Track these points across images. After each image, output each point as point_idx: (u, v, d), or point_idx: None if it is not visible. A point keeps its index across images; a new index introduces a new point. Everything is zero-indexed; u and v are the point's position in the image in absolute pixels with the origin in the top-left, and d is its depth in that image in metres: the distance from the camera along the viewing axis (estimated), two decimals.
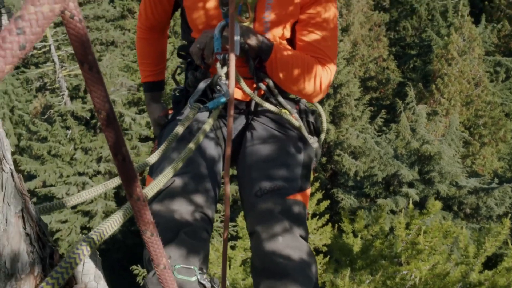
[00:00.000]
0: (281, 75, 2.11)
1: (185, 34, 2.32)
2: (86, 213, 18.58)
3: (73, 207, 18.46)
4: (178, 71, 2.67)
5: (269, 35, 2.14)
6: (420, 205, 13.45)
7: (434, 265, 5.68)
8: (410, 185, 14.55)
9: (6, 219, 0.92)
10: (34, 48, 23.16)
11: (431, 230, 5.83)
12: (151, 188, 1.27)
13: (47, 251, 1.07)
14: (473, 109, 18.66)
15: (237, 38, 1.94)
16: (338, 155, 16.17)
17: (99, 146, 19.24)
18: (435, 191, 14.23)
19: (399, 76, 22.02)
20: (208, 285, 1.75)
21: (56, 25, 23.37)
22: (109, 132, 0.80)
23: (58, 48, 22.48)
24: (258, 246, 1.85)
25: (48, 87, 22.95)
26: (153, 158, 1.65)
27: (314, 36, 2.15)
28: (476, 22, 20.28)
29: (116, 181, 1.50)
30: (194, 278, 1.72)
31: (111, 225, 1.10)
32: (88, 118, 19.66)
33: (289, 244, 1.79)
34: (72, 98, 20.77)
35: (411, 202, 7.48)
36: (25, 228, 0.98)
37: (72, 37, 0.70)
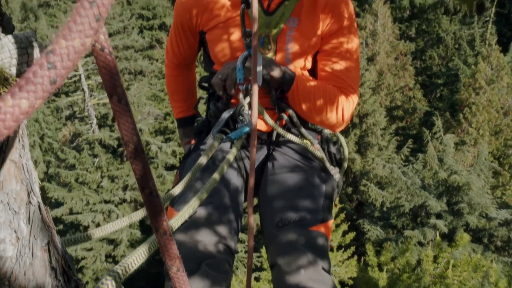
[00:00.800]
0: (303, 105, 2.10)
1: (207, 67, 2.34)
2: (111, 241, 18.66)
3: None
4: (201, 102, 2.69)
5: (291, 66, 2.15)
6: (449, 237, 13.11)
7: None
8: (438, 216, 14.23)
9: (32, 253, 0.91)
10: None
11: (460, 264, 5.66)
12: (177, 220, 1.26)
13: (72, 285, 1.05)
14: (502, 138, 18.30)
15: (259, 68, 1.94)
16: (364, 185, 15.98)
17: (126, 174, 19.44)
18: (464, 223, 13.87)
19: (426, 105, 21.82)
20: None
21: (87, 55, 23.99)
22: (137, 165, 0.79)
23: (88, 77, 23.04)
24: (279, 278, 1.81)
25: (78, 116, 23.46)
26: (177, 189, 1.64)
27: (336, 66, 2.15)
28: (504, 50, 20.06)
29: (141, 213, 1.49)
30: None
31: (136, 259, 1.08)
32: (115, 146, 19.95)
33: (311, 277, 1.76)
34: (100, 126, 21.17)
35: (438, 234, 7.30)
36: (50, 262, 0.97)
37: (102, 70, 0.70)
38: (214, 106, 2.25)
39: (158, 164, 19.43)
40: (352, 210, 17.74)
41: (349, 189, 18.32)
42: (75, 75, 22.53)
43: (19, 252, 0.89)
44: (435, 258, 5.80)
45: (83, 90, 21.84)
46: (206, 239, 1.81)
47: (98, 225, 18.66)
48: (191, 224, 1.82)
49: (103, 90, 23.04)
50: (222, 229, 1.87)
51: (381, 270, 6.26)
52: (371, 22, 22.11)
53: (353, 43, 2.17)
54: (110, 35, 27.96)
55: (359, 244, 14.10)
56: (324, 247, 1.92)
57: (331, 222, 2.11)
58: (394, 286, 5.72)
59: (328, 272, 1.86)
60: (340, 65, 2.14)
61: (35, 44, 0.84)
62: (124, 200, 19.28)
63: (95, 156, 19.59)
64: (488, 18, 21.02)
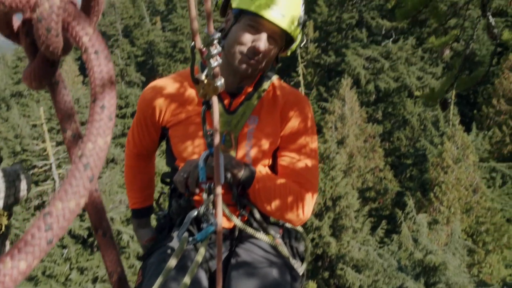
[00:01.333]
0: (264, 202, 2.14)
1: (169, 162, 2.37)
2: None
3: None
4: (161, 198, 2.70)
5: (250, 162, 2.20)
6: None
7: None
8: None
9: None
10: (35, 166, 23.53)
11: None
12: None
13: None
14: (473, 216, 18.59)
15: (221, 168, 1.99)
16: (341, 269, 15.80)
17: (96, 266, 18.80)
18: None
19: (397, 185, 22.20)
20: None
21: (58, 143, 23.96)
22: None
23: (59, 166, 22.85)
24: None
25: (47, 206, 22.93)
26: None
27: (296, 162, 2.20)
28: (468, 130, 20.92)
29: None
30: None
31: None
32: (86, 237, 19.43)
33: None
34: None
35: None
36: None
37: (88, 206, 0.74)
38: (176, 203, 2.27)
39: (130, 254, 18.92)
40: None
41: (326, 274, 18.04)
42: (45, 164, 22.33)
43: None
44: None
45: (53, 179, 21.58)
46: None
47: None
48: None
49: None
50: None
51: None
52: (339, 106, 22.93)
53: (312, 140, 2.24)
54: (83, 123, 28.15)
55: None
56: None
57: None
58: None
59: None
60: (300, 162, 2.20)
61: (22, 177, 0.88)
62: None
63: (64, 247, 18.99)
64: (450, 100, 22.03)
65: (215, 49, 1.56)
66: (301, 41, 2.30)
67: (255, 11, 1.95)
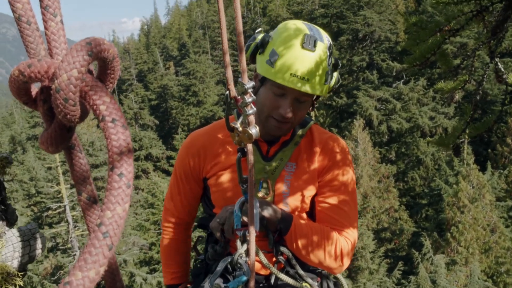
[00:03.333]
0: (301, 248, 2.11)
1: (207, 209, 2.38)
2: None
3: None
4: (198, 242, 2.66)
5: (288, 210, 2.20)
6: None
7: None
8: None
9: None
10: (49, 208, 23.63)
11: None
12: None
13: None
14: (492, 256, 18.16)
15: (256, 214, 1.99)
16: None
17: None
18: None
19: (413, 226, 21.87)
20: None
21: (73, 186, 24.09)
22: None
23: (73, 208, 22.93)
24: None
25: (60, 247, 22.92)
26: None
27: (331, 205, 2.19)
28: (482, 169, 20.68)
29: None
30: None
31: None
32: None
33: None
34: None
35: None
36: None
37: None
38: (212, 249, 2.26)
39: None
40: None
41: None
42: (59, 206, 22.43)
43: None
44: None
45: (67, 221, 21.62)
46: None
47: None
48: None
49: None
50: None
51: None
52: (352, 147, 22.91)
53: (348, 175, 2.23)
54: (96, 166, 28.39)
55: None
56: None
57: None
58: None
59: None
60: (335, 203, 2.18)
61: (37, 235, 0.90)
62: None
63: None
64: (463, 140, 21.94)
65: (250, 97, 1.59)
66: (337, 81, 2.30)
67: (277, 81, 1.95)
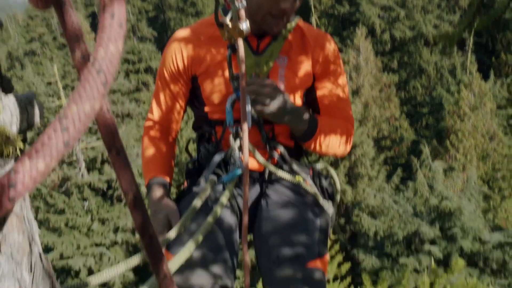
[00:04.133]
0: (322, 146, 2.17)
1: (197, 109, 2.33)
2: (103, 285, 18.33)
3: None
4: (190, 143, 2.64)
5: None
6: (444, 263, 13.07)
7: None
8: (432, 242, 14.21)
9: None
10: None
11: None
12: (174, 264, 1.28)
13: None
14: (490, 163, 18.51)
15: (248, 109, 1.98)
16: (357, 216, 15.98)
17: (116, 217, 19.28)
18: (459, 248, 13.86)
19: (413, 134, 22.08)
20: None
21: None
22: (137, 214, 0.83)
23: None
24: None
25: (66, 161, 23.36)
26: (172, 233, 1.66)
27: (336, 99, 2.25)
28: (485, 77, 20.51)
29: (137, 259, 1.50)
30: None
31: None
32: (105, 189, 19.84)
33: None
34: (89, 170, 21.08)
35: (433, 260, 7.30)
36: None
37: (101, 127, 0.74)
38: (204, 149, 2.26)
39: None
40: (346, 241, 17.67)
41: (342, 220, 18.29)
42: None
43: None
44: (432, 285, 5.78)
45: None
46: (203, 281, 1.81)
47: (89, 268, 18.37)
48: (186, 267, 1.81)
49: (91, 135, 23.05)
50: (218, 269, 1.87)
51: None
52: (354, 56, 22.55)
53: (343, 76, 2.29)
54: None
55: (355, 274, 13.96)
56: (321, 283, 1.89)
57: (327, 256, 2.09)
58: None
59: None
60: (339, 98, 2.25)
61: (34, 103, 0.89)
62: (116, 243, 19.07)
63: (84, 199, 19.46)
64: (467, 48, 21.55)
65: None
66: None
67: None
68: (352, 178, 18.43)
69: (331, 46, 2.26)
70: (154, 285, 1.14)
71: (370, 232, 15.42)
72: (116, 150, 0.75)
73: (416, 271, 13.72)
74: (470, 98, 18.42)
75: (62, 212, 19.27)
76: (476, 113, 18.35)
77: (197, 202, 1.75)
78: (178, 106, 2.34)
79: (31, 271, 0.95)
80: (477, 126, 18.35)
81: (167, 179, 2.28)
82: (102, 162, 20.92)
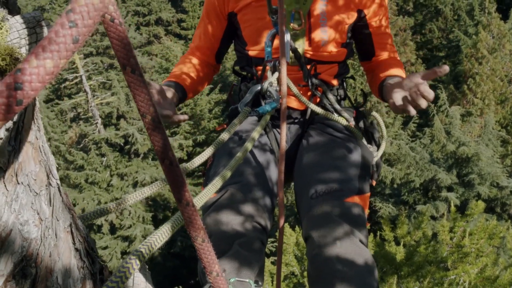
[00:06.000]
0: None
1: (240, 49, 2.30)
2: (125, 238, 18.79)
3: (112, 233, 18.70)
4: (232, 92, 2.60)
5: (326, 38, 2.16)
6: (461, 209, 13.08)
7: (482, 268, 5.49)
8: (449, 189, 14.21)
9: (56, 234, 0.92)
10: (66, 80, 23.83)
11: (476, 232, 5.66)
12: (200, 198, 1.25)
13: (96, 267, 1.06)
14: (508, 107, 18.18)
15: (287, 43, 1.94)
16: None
17: (134, 171, 19.53)
18: (476, 194, 13.84)
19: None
20: None
21: (86, 56, 24.03)
22: (155, 136, 0.79)
23: (89, 78, 23.08)
24: (313, 252, 1.73)
25: (82, 117, 23.53)
26: (196, 161, 1.62)
27: (387, 36, 2.34)
28: (504, 18, 19.83)
29: (158, 185, 1.48)
30: None
31: (159, 237, 1.08)
32: (122, 144, 20.02)
33: (348, 250, 1.67)
34: (105, 125, 21.24)
35: (452, 205, 7.31)
36: (74, 244, 0.98)
37: (114, 41, 0.69)
38: (245, 87, 2.25)
39: None
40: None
41: None
42: (76, 77, 22.57)
43: (42, 233, 0.90)
44: (451, 228, 5.79)
45: (85, 91, 21.89)
46: (233, 219, 1.77)
47: (111, 223, 18.80)
48: (218, 206, 1.79)
49: (105, 90, 23.07)
50: (249, 208, 1.82)
51: (397, 244, 6.26)
52: None
53: (387, 11, 2.33)
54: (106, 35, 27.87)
55: (372, 222, 14.12)
56: (360, 219, 1.82)
57: (368, 195, 2.03)
58: (412, 258, 5.72)
59: (366, 244, 1.77)
60: (389, 35, 2.34)
61: (43, 23, 0.84)
62: None
63: (102, 155, 19.69)
64: None
65: None
66: None
67: None
68: None
69: None
70: (180, 218, 1.12)
71: (387, 180, 15.42)
72: (131, 68, 0.71)
73: (433, 218, 13.78)
74: (489, 40, 17.92)
75: (81, 168, 19.56)
76: (495, 56, 17.87)
77: (225, 135, 1.70)
78: (213, 38, 2.35)
79: (50, 204, 0.93)
80: (496, 69, 17.92)
81: (185, 86, 2.25)
82: (118, 118, 21.03)
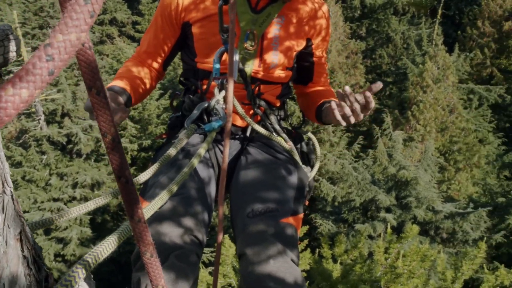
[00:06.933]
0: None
1: (188, 59, 2.32)
2: (60, 240, 18.19)
3: (47, 234, 18.06)
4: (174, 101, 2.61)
5: (276, 61, 2.23)
6: (398, 230, 13.52)
7: None
8: (388, 210, 14.67)
9: (6, 242, 0.92)
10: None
11: (409, 254, 5.90)
12: (147, 211, 1.28)
13: (42, 274, 1.07)
14: (448, 135, 19.02)
15: (236, 62, 1.98)
16: (316, 181, 16.25)
17: (75, 172, 18.98)
18: (412, 216, 14.36)
19: (376, 103, 22.36)
20: None
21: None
22: (114, 155, 0.82)
23: None
24: (247, 269, 1.79)
25: (24, 111, 22.68)
26: (142, 177, 1.65)
27: (325, 67, 2.49)
28: (450, 51, 20.85)
29: (105, 199, 1.49)
30: None
31: (106, 248, 1.11)
32: (64, 143, 19.43)
33: (280, 268, 1.75)
34: (48, 122, 20.55)
35: (389, 226, 7.57)
36: (22, 251, 0.98)
37: (82, 64, 0.73)
38: (189, 100, 2.26)
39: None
40: (305, 205, 17.99)
41: None
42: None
43: None
44: (386, 249, 6.00)
45: None
46: (172, 231, 1.81)
47: None
48: (158, 217, 1.81)
49: (51, 86, 22.38)
50: (189, 221, 1.87)
51: (335, 261, 6.42)
52: None
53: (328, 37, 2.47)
54: None
55: (311, 238, 14.35)
56: (293, 239, 1.91)
57: (302, 216, 2.11)
58: (348, 277, 5.89)
59: (297, 264, 1.86)
60: (325, 67, 2.49)
61: (11, 37, 0.85)
62: (74, 198, 18.82)
63: (43, 153, 19.03)
64: (435, 20, 21.77)
65: None
66: None
67: None
68: None
69: (326, 13, 2.34)
70: (127, 230, 1.15)
71: (329, 197, 15.76)
72: (96, 90, 0.74)
73: (370, 237, 14.17)
74: (434, 70, 18.73)
75: (19, 165, 18.83)
76: (439, 86, 18.70)
77: (173, 150, 1.74)
78: (164, 45, 2.33)
79: (3, 212, 0.94)
80: (439, 99, 18.73)
81: (125, 89, 2.18)
82: (62, 116, 20.42)
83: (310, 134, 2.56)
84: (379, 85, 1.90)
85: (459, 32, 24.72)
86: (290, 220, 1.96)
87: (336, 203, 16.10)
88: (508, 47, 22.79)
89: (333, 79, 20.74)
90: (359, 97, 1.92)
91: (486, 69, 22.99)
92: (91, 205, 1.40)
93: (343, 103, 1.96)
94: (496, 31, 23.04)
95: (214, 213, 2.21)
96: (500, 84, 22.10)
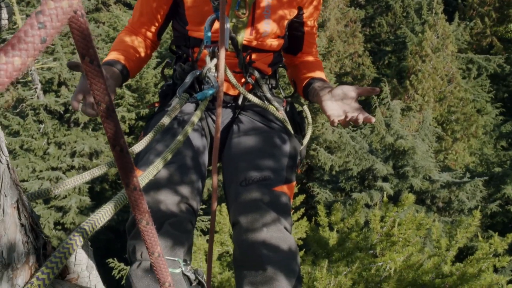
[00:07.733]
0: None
1: (180, 27, 2.28)
2: (59, 209, 18.33)
3: (46, 203, 18.19)
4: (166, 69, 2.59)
5: (268, 30, 2.20)
6: (394, 199, 13.65)
7: (408, 256, 5.81)
8: (385, 179, 14.77)
9: (3, 210, 0.93)
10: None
11: (405, 222, 5.97)
12: (142, 179, 1.29)
13: (40, 242, 1.08)
14: (446, 105, 19.01)
15: (226, 30, 1.96)
16: (314, 150, 16.30)
17: (73, 141, 18.99)
18: (409, 185, 14.47)
19: (374, 72, 22.26)
20: (192, 276, 1.78)
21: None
22: (108, 124, 0.82)
23: None
24: (240, 237, 1.82)
25: (20, 80, 22.51)
26: (137, 147, 1.66)
27: (315, 37, 2.47)
28: (450, 20, 20.63)
29: (101, 169, 1.50)
30: (178, 270, 1.75)
31: (103, 216, 1.12)
32: (62, 112, 19.38)
33: (273, 236, 1.77)
34: (45, 91, 20.43)
35: (385, 195, 7.64)
36: (20, 219, 1.00)
37: (75, 31, 0.72)
38: (180, 68, 2.23)
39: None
40: (302, 174, 18.12)
41: None
42: None
43: None
44: (382, 218, 6.07)
45: None
46: (168, 199, 1.83)
47: None
48: (153, 185, 1.82)
49: (47, 55, 22.16)
50: (184, 189, 1.89)
51: (331, 230, 6.50)
52: None
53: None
54: None
55: (308, 207, 14.47)
56: (286, 207, 1.93)
57: (294, 184, 2.13)
58: (344, 244, 5.97)
59: (290, 232, 1.88)
60: (315, 33, 2.46)
61: (2, 4, 0.84)
62: (72, 167, 18.88)
63: (40, 122, 18.99)
64: None
65: None
66: None
67: None
68: (312, 112, 18.60)
69: None
70: (124, 198, 1.16)
71: (326, 166, 15.83)
72: (89, 58, 0.74)
73: (367, 206, 14.32)
74: (433, 40, 18.58)
75: (17, 134, 18.80)
76: (438, 55, 18.58)
77: (166, 119, 1.74)
78: (157, 14, 2.29)
79: None
80: (437, 68, 18.64)
81: (119, 60, 2.17)
82: (59, 84, 20.29)
83: (303, 102, 2.56)
84: (377, 90, 2.04)
85: (459, 0, 24.42)
86: (284, 188, 1.98)
87: (333, 172, 16.19)
88: (508, 16, 22.55)
89: (332, 47, 20.57)
90: (351, 115, 1.94)
91: (486, 39, 22.80)
92: (86, 176, 1.41)
93: (333, 119, 1.96)
94: (497, 0, 22.75)
95: (208, 182, 2.23)
96: (500, 53, 21.95)
